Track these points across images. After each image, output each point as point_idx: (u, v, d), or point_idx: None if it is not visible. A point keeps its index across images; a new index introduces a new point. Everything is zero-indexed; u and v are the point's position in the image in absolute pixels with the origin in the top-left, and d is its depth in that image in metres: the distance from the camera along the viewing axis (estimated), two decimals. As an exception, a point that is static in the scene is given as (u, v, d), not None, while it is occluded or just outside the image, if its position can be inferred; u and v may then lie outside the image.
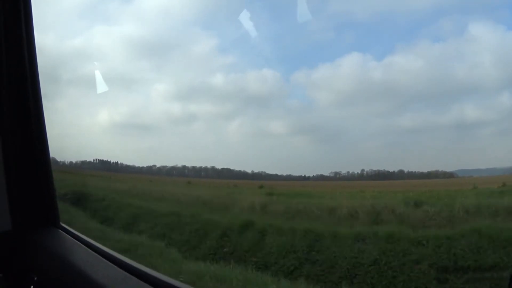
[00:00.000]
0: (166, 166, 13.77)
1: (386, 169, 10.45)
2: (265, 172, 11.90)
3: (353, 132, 11.36)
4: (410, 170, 9.97)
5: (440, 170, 9.66)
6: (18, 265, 1.95)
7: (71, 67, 14.61)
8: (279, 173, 11.71)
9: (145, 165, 13.73)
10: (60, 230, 2.20)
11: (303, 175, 11.39)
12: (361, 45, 11.30)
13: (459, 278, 4.51)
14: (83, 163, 13.69)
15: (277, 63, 12.26)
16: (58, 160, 11.58)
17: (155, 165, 13.73)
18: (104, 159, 13.85)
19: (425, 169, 9.82)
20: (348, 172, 10.97)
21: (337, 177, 10.93)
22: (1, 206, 2.01)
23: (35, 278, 1.81)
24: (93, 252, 1.96)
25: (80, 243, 2.06)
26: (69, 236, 2.14)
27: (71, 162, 13.17)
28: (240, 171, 12.37)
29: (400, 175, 10.13)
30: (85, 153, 13.17)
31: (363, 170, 10.85)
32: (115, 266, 1.78)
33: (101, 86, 10.31)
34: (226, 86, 13.19)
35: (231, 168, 12.63)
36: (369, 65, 10.90)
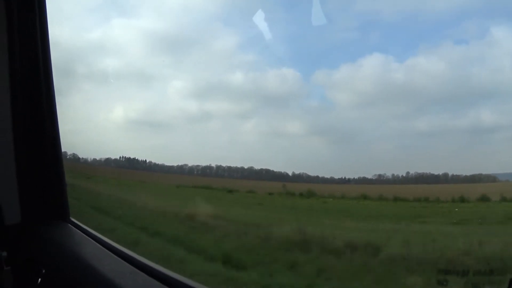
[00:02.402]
0: (200, 165, 12.74)
1: (431, 172, 9.69)
2: (306, 174, 10.71)
3: (373, 134, 10.95)
4: (454, 174, 9.20)
5: (483, 173, 8.97)
6: (27, 258, 1.93)
7: (88, 61, 14.76)
8: (320, 175, 10.52)
9: (175, 164, 12.95)
10: (69, 225, 2.20)
11: (343, 177, 10.22)
12: (384, 46, 10.98)
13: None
14: (107, 160, 13.30)
15: (298, 63, 12.04)
16: (80, 157, 11.46)
17: (186, 164, 12.77)
18: (131, 157, 13.24)
19: (465, 172, 9.09)
20: (393, 174, 9.96)
21: (381, 180, 9.95)
22: (11, 199, 2.02)
23: (43, 271, 1.79)
24: (101, 246, 1.95)
25: (89, 238, 2.05)
26: (78, 231, 2.13)
27: (94, 159, 12.86)
28: (280, 172, 11.12)
29: (445, 179, 9.43)
30: (108, 150, 12.90)
31: (408, 172, 9.93)
32: (123, 261, 1.77)
33: (119, 81, 10.28)
34: (245, 84, 12.94)
35: (271, 169, 11.42)
36: (391, 67, 10.48)
